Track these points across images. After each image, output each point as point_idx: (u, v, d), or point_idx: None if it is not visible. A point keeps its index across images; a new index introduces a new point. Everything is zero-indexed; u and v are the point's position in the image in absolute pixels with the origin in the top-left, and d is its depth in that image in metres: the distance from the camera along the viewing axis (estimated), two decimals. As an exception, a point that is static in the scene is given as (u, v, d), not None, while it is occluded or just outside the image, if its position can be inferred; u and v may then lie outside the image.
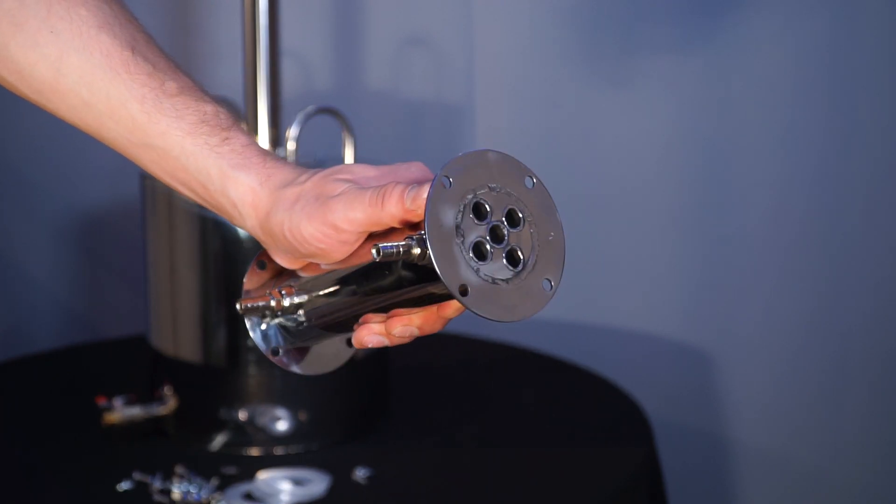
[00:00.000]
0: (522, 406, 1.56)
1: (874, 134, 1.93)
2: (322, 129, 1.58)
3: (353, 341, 0.79)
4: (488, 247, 0.71)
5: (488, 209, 0.72)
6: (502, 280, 0.71)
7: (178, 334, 1.42)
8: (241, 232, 1.37)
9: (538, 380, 1.66)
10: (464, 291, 0.70)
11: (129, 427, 1.42)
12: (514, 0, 1.94)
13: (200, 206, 1.37)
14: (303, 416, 1.41)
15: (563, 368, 1.69)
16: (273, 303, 0.83)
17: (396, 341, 0.77)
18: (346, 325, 0.81)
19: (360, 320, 0.78)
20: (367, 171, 0.76)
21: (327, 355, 0.86)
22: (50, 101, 0.79)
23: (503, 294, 0.71)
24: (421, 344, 1.80)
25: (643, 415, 1.51)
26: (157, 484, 1.30)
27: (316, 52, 1.94)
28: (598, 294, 2.01)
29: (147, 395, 1.45)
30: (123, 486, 1.30)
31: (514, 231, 0.72)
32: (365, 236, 0.76)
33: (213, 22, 1.90)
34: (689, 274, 1.98)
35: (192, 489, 1.28)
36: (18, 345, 1.92)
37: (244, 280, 0.86)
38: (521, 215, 0.73)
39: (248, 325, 0.85)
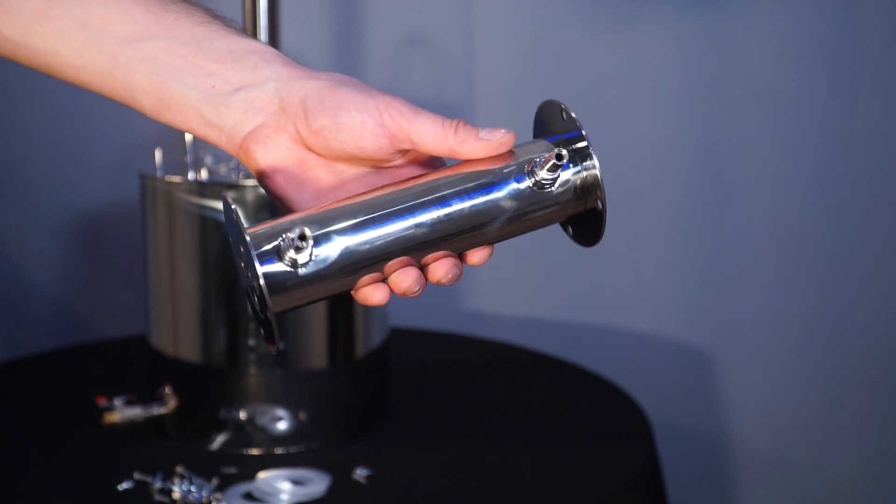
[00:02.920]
0: (522, 406, 1.56)
1: (875, 133, 1.93)
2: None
3: (405, 284, 0.72)
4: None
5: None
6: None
7: (178, 334, 1.42)
8: (241, 232, 1.37)
9: (538, 380, 1.66)
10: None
11: (129, 427, 1.42)
12: (514, 0, 1.94)
13: (200, 206, 1.37)
14: (303, 416, 1.41)
15: (563, 368, 1.69)
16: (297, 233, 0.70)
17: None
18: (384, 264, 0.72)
19: (425, 256, 0.73)
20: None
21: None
22: (35, 34, 0.76)
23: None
24: (421, 344, 1.80)
25: (643, 415, 1.51)
26: (157, 484, 1.30)
27: (316, 52, 1.94)
28: (598, 294, 2.01)
29: (147, 395, 1.45)
30: (123, 486, 1.30)
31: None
32: (400, 157, 0.76)
33: (213, 22, 1.90)
34: (689, 274, 1.98)
35: (193, 489, 1.28)
36: (18, 345, 1.92)
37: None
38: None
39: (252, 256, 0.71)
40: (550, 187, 0.76)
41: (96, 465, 1.36)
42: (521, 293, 2.01)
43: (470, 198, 0.74)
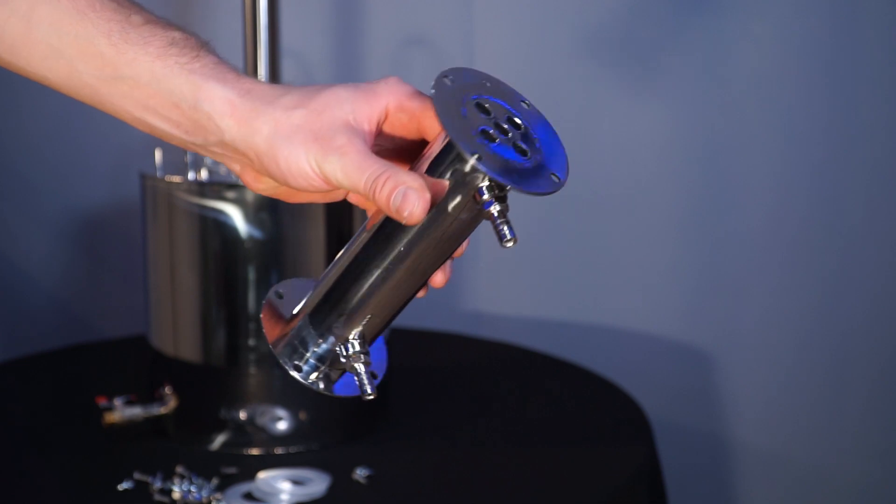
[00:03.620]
0: (522, 406, 1.56)
1: (874, 134, 1.93)
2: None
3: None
4: (493, 132, 0.72)
5: (490, 109, 0.73)
6: (514, 161, 0.72)
7: (178, 334, 1.42)
8: (242, 232, 1.37)
9: (538, 380, 1.66)
10: (481, 159, 0.70)
11: (129, 427, 1.42)
12: (514, 0, 1.94)
13: (200, 206, 1.37)
14: (303, 416, 1.41)
15: (564, 368, 1.69)
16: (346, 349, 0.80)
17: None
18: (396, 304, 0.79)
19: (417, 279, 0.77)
20: (355, 100, 0.75)
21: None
22: (21, 57, 0.79)
23: (521, 170, 0.71)
24: (421, 344, 1.80)
25: (643, 415, 1.51)
26: (157, 484, 1.30)
27: (316, 52, 1.94)
28: (598, 294, 2.01)
29: (147, 395, 1.45)
30: (123, 486, 1.30)
31: (517, 132, 0.73)
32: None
33: (213, 22, 1.90)
34: (690, 274, 1.98)
35: (193, 489, 1.28)
36: (18, 345, 1.92)
37: (264, 317, 0.83)
38: (520, 122, 0.73)
39: (289, 368, 0.81)
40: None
41: (96, 465, 1.36)
42: (521, 293, 2.02)
43: (389, 252, 0.76)
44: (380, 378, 0.81)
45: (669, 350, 2.00)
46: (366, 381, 0.78)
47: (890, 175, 1.95)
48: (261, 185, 0.80)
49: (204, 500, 1.28)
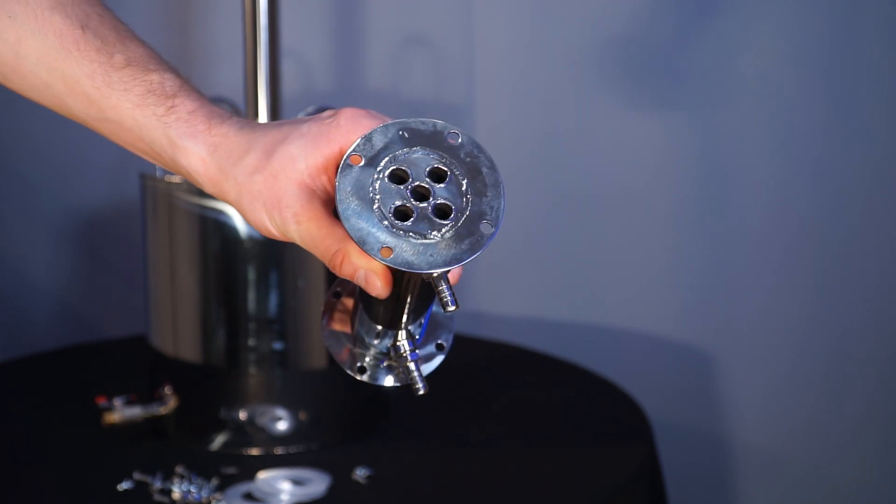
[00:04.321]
0: (522, 406, 1.56)
1: (874, 133, 1.93)
2: (322, 129, 1.58)
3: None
4: (410, 205, 0.72)
5: (407, 171, 0.72)
6: (435, 234, 0.71)
7: (178, 334, 1.42)
8: (242, 232, 1.37)
9: (538, 380, 1.66)
10: (386, 254, 0.70)
11: (129, 427, 1.42)
12: (515, 0, 1.94)
13: (200, 206, 1.37)
14: (303, 416, 1.41)
15: (563, 368, 1.69)
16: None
17: None
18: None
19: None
20: (308, 155, 0.76)
21: None
22: (13, 83, 0.81)
23: (437, 246, 0.71)
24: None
25: (643, 415, 1.51)
26: (157, 484, 1.30)
27: (316, 52, 1.94)
28: (597, 294, 2.01)
29: (147, 395, 1.45)
30: (123, 485, 1.30)
31: (441, 186, 0.72)
32: None
33: (213, 22, 1.90)
34: (689, 274, 1.98)
35: (193, 489, 1.28)
36: (18, 345, 1.92)
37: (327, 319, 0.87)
38: (445, 170, 0.73)
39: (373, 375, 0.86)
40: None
41: (96, 465, 1.36)
42: (521, 293, 2.01)
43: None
44: (432, 368, 0.85)
45: (669, 350, 2.00)
46: (417, 379, 0.81)
47: (889, 175, 1.94)
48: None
49: (204, 500, 1.28)
